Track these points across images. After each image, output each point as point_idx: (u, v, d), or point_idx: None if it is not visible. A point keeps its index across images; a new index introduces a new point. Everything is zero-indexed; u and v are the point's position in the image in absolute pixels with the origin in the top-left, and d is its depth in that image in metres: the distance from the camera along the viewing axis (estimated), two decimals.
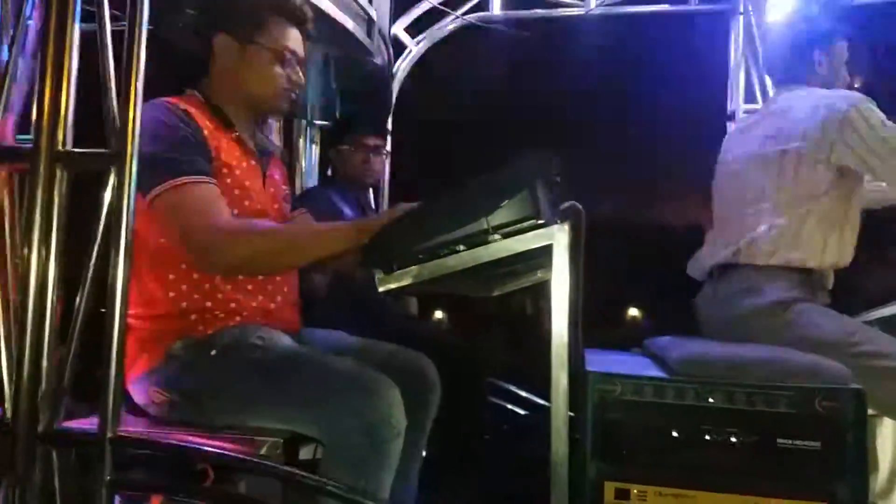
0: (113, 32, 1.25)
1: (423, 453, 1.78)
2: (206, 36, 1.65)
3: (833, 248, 1.94)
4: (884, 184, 2.09)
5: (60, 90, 1.23)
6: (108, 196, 1.21)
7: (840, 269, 2.00)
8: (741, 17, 3.01)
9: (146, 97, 1.46)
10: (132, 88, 1.22)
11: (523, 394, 3.05)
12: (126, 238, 1.21)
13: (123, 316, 1.20)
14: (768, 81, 2.50)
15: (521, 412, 3.01)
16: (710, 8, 3.13)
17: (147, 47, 1.22)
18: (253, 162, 1.66)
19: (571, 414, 1.60)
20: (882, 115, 1.87)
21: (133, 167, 1.23)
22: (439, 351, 1.85)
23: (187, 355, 1.48)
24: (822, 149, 1.89)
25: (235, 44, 1.62)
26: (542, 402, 2.93)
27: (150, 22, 1.25)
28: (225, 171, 1.55)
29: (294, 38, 1.67)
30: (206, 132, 1.54)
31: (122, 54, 1.21)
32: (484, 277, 1.58)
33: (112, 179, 1.21)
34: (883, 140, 1.83)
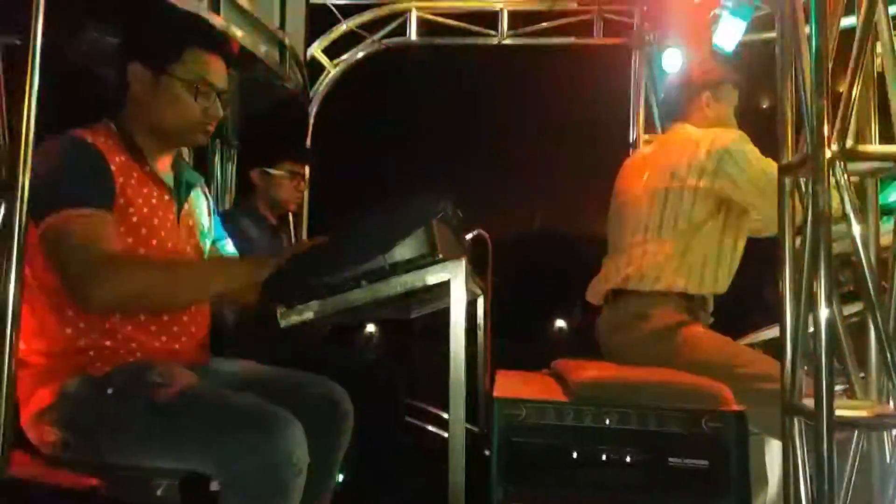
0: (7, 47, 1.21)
1: (340, 478, 1.77)
2: (121, 64, 1.58)
3: (710, 277, 2.08)
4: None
5: None
6: None
7: (719, 295, 2.14)
8: (641, 51, 3.19)
9: (65, 126, 1.40)
10: (25, 111, 1.18)
11: (443, 415, 3.07)
12: (16, 271, 1.17)
13: (14, 352, 1.16)
14: None
15: (441, 433, 3.02)
16: (614, 41, 3.30)
17: (66, 73, 1.18)
18: (166, 197, 1.60)
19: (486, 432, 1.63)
20: (757, 151, 2.02)
21: (25, 197, 1.19)
22: (356, 374, 1.84)
23: (83, 393, 1.43)
24: (704, 181, 2.03)
25: (149, 74, 1.55)
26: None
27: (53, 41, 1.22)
28: (132, 209, 1.50)
29: (213, 69, 1.60)
30: (113, 168, 1.48)
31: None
32: (400, 302, 1.60)
33: (2, 209, 1.17)
34: (761, 171, 1.98)
